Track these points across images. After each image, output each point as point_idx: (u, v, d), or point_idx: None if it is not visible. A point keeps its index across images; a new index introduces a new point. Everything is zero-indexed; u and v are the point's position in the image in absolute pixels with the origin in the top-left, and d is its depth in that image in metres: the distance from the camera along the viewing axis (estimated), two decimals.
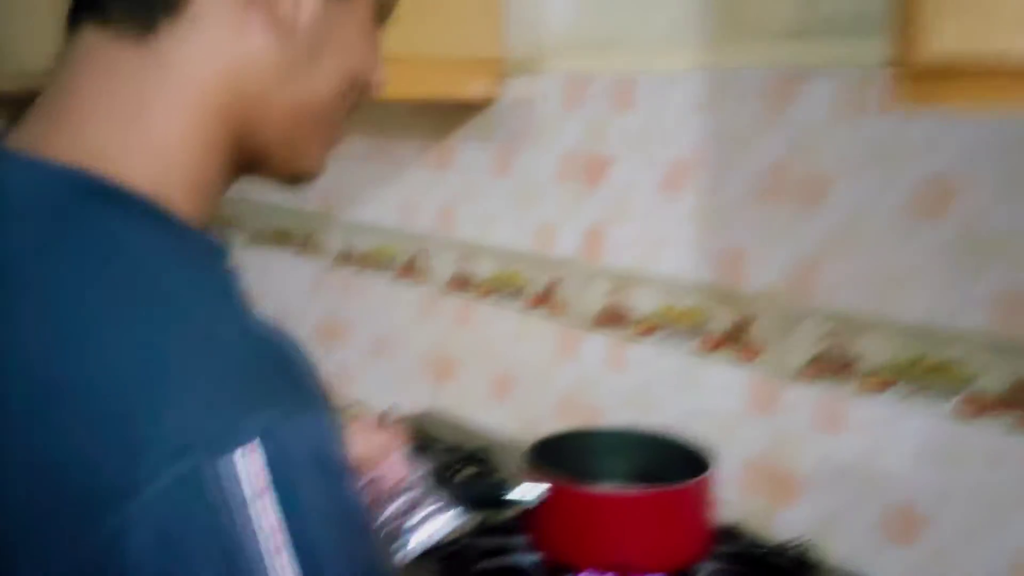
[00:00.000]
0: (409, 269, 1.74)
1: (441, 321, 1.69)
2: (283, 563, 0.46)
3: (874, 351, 1.12)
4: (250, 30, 0.57)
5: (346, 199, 1.86)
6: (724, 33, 1.23)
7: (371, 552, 0.53)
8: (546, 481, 0.94)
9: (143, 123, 0.56)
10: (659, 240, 1.33)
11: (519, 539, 1.01)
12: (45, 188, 0.54)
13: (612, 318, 1.41)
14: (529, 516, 0.96)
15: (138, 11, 0.56)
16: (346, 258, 1.91)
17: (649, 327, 1.36)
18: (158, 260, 0.53)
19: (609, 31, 1.36)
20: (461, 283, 1.65)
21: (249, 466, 0.46)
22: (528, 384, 1.56)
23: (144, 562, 0.45)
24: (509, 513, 0.97)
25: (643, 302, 1.36)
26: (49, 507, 0.47)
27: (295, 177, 0.65)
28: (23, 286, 0.52)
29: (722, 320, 1.27)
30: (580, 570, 0.93)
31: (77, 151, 0.55)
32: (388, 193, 1.77)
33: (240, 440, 0.46)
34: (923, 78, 0.74)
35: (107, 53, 0.57)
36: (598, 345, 1.43)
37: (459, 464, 1.19)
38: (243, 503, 0.46)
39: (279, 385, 0.50)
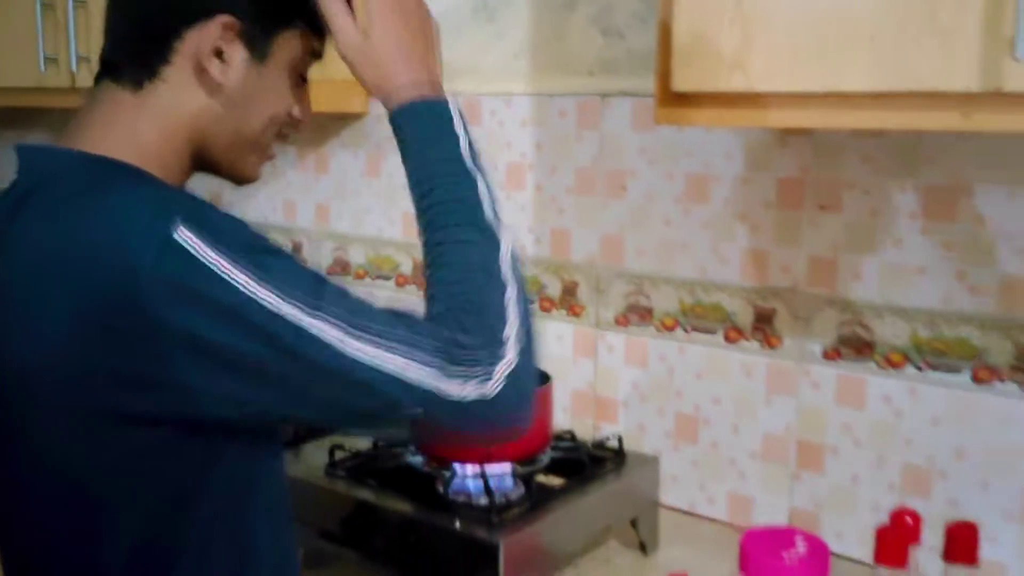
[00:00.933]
0: None
1: None
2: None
3: (665, 301, 1.51)
4: (198, 89, 0.89)
5: (236, 198, 2.14)
6: (547, 66, 1.61)
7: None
8: None
9: (135, 138, 0.89)
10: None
11: (410, 448, 1.35)
12: (76, 161, 0.87)
13: None
14: (415, 428, 1.30)
15: (135, 75, 0.89)
16: None
17: None
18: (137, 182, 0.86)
19: (458, 61, 1.71)
20: (339, 268, 1.96)
21: (187, 233, 0.76)
22: None
23: (171, 316, 0.75)
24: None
25: None
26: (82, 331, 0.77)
27: (238, 180, 0.97)
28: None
29: (554, 286, 1.64)
30: (456, 463, 1.28)
31: (95, 150, 0.88)
32: (272, 193, 2.06)
33: (175, 223, 0.76)
34: (672, 104, 1.13)
35: (116, 97, 0.90)
36: None
37: None
38: (202, 247, 0.76)
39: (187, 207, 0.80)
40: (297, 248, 2.02)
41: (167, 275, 0.75)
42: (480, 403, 0.81)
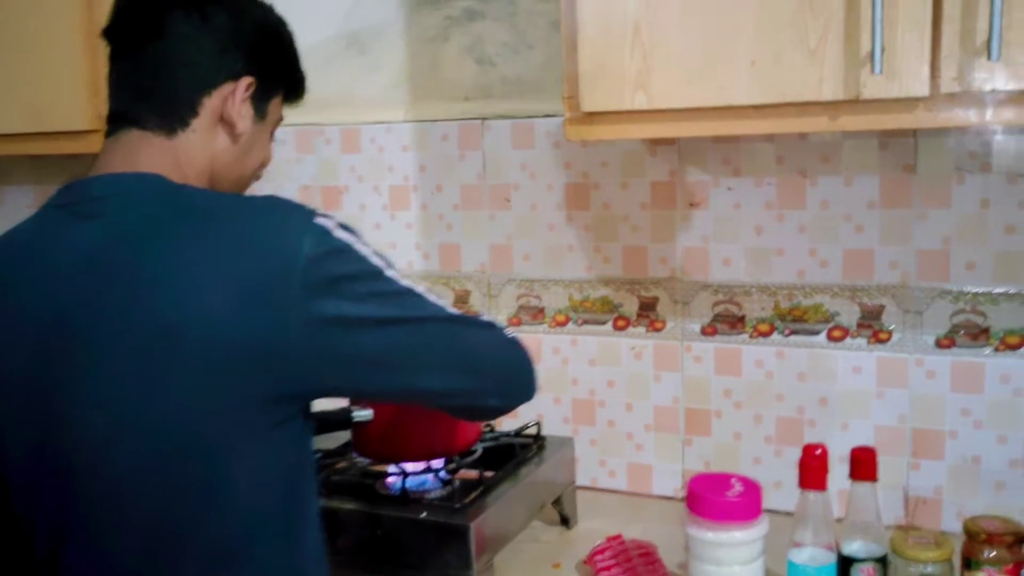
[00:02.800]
0: None
1: None
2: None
3: (555, 300, 1.68)
4: (221, 136, 1.06)
5: None
6: (425, 94, 1.74)
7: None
8: (372, 406, 1.37)
9: (179, 173, 1.03)
10: (390, 244, 1.80)
11: (349, 455, 1.44)
12: (140, 182, 0.98)
13: None
14: (359, 432, 1.39)
15: (167, 124, 1.03)
16: None
17: None
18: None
19: (332, 93, 1.81)
20: None
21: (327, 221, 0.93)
22: None
23: (325, 295, 0.90)
24: (351, 428, 1.39)
25: None
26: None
27: None
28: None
29: (447, 296, 1.76)
30: (401, 462, 1.38)
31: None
32: None
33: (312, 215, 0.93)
34: (581, 122, 1.29)
35: (150, 141, 1.03)
36: None
37: None
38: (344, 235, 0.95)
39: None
40: None
41: (321, 256, 0.90)
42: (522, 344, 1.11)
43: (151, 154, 1.01)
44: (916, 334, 1.45)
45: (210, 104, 1.03)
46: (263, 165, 1.15)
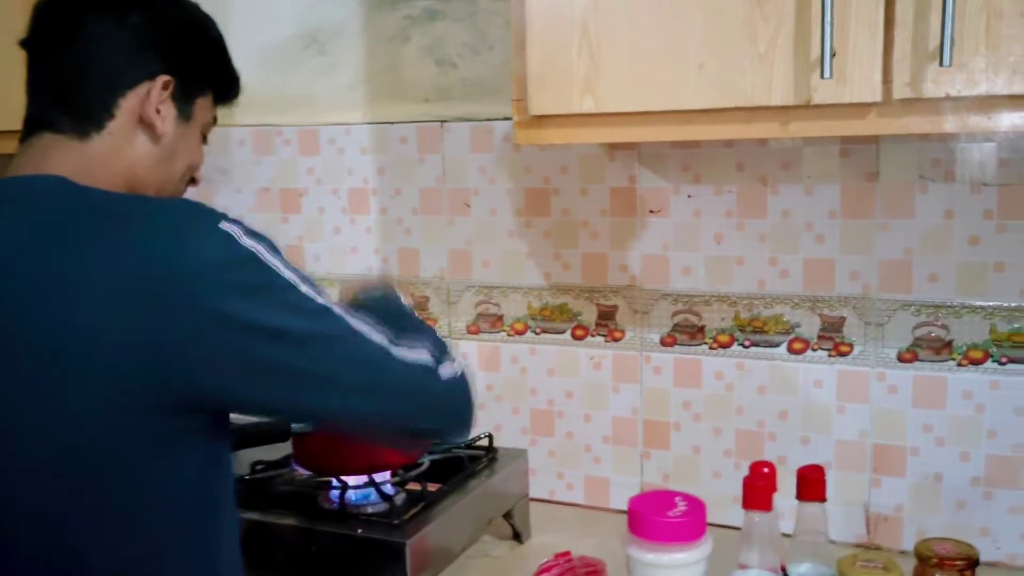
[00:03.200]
0: None
1: None
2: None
3: (514, 308, 1.64)
4: (140, 139, 1.02)
5: None
6: (383, 95, 1.70)
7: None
8: None
9: (90, 179, 0.97)
10: (350, 248, 1.76)
11: (290, 467, 1.40)
12: (43, 185, 0.95)
13: None
14: (299, 444, 1.35)
15: (81, 127, 0.99)
16: None
17: None
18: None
19: (291, 93, 1.77)
20: None
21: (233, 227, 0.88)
22: None
23: (229, 302, 0.85)
24: (290, 440, 1.35)
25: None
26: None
27: None
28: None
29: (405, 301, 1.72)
30: (343, 475, 1.34)
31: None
32: None
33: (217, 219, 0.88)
34: (530, 126, 1.25)
35: (63, 145, 0.99)
36: None
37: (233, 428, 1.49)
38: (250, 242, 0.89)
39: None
40: None
41: (223, 263, 0.86)
42: (462, 380, 1.05)
43: (61, 157, 0.97)
44: (877, 347, 1.41)
45: (126, 105, 0.99)
46: (192, 169, 1.11)
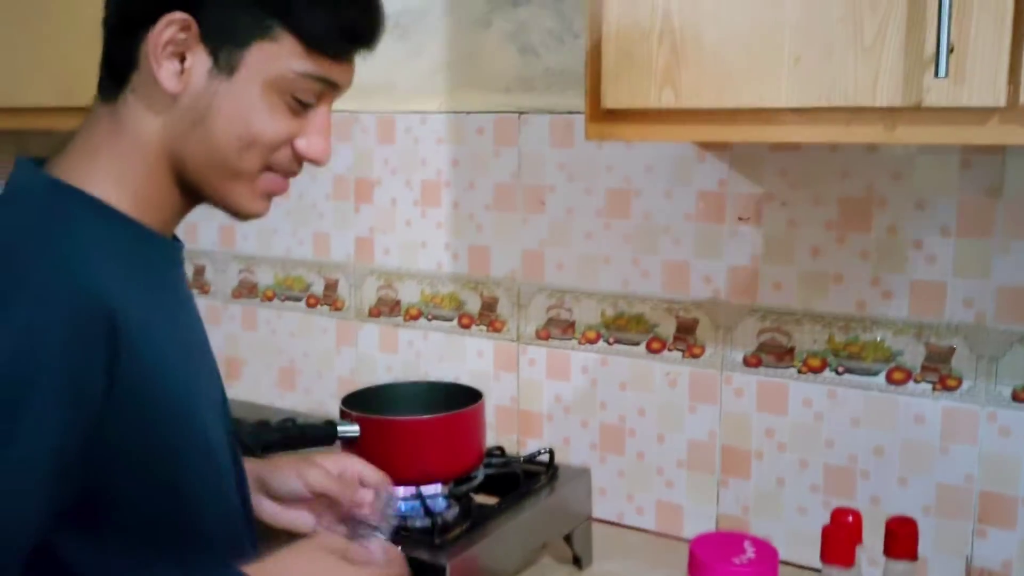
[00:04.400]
0: (194, 282, 1.97)
1: (228, 326, 1.94)
2: None
3: (587, 314, 1.53)
4: (156, 99, 0.83)
5: None
6: (463, 83, 1.61)
7: None
8: (359, 421, 1.25)
9: (111, 153, 0.84)
10: (419, 243, 1.68)
11: None
12: (33, 187, 0.83)
13: (384, 309, 1.73)
14: (348, 450, 1.27)
15: (109, 89, 0.85)
16: None
17: (415, 313, 1.70)
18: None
19: (372, 79, 1.69)
20: (247, 290, 1.90)
21: None
22: (312, 372, 1.85)
23: None
24: (336, 444, 1.27)
25: (409, 294, 1.70)
26: None
27: (235, 213, 0.89)
28: None
29: (474, 302, 1.63)
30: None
31: (70, 173, 0.84)
32: None
33: None
34: (602, 120, 1.14)
35: (99, 112, 0.86)
36: (373, 332, 1.75)
37: (276, 431, 1.43)
38: None
39: (30, 296, 0.71)
40: (200, 271, 1.96)
41: None
42: None
43: (93, 131, 0.84)
44: (990, 383, 1.25)
45: (145, 51, 0.81)
46: (289, 153, 0.86)
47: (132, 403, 0.77)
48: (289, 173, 0.89)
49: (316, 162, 0.89)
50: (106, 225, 0.83)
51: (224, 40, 0.81)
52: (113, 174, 0.84)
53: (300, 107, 0.85)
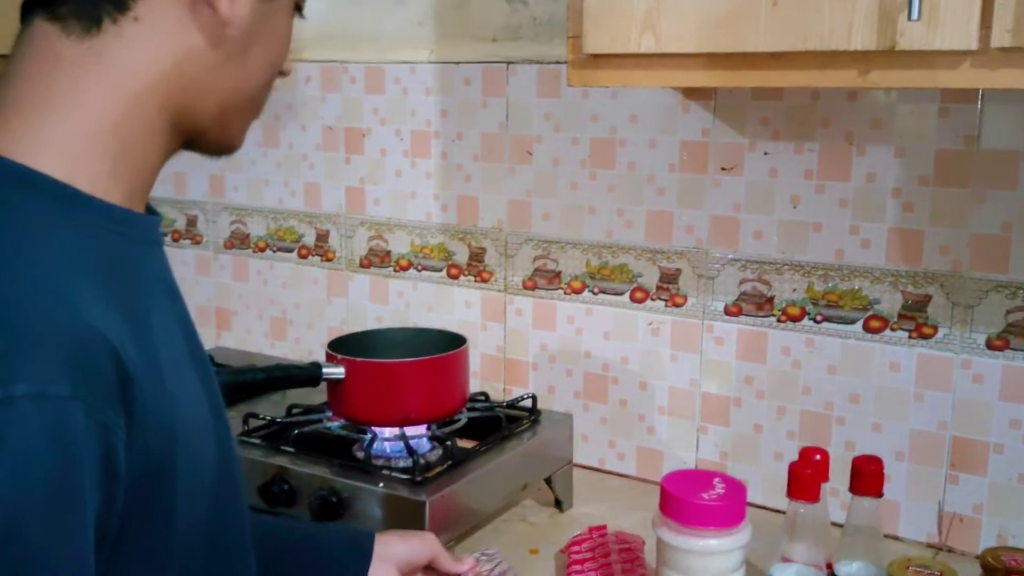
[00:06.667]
0: (185, 233, 1.99)
1: (220, 276, 1.96)
2: None
3: (572, 265, 1.55)
4: (192, 29, 0.68)
5: None
6: (451, 33, 1.61)
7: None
8: (344, 363, 1.27)
9: (73, 112, 0.66)
10: (408, 194, 1.69)
11: (326, 413, 1.35)
12: None
13: (374, 260, 1.75)
14: (333, 391, 1.29)
15: (85, 9, 0.65)
16: None
17: (405, 264, 1.72)
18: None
19: (359, 28, 1.70)
20: (238, 241, 1.92)
21: None
22: (303, 323, 1.87)
23: None
24: (322, 387, 1.30)
25: (399, 244, 1.72)
26: None
27: (222, 151, 0.77)
28: None
29: (462, 252, 1.65)
30: (374, 426, 1.28)
31: (11, 140, 0.65)
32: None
33: None
34: (584, 67, 1.15)
35: (51, 46, 0.66)
36: (363, 282, 1.77)
37: (261, 371, 1.44)
38: None
39: (31, 362, 0.56)
40: (192, 222, 1.98)
41: None
42: None
43: (46, 77, 0.66)
44: (965, 331, 1.27)
45: None
46: (277, 66, 0.75)
47: (150, 433, 0.64)
48: (281, 76, 0.79)
49: (285, 77, 0.80)
50: (68, 217, 0.65)
51: None
52: (79, 135, 0.66)
53: (298, 11, 0.77)
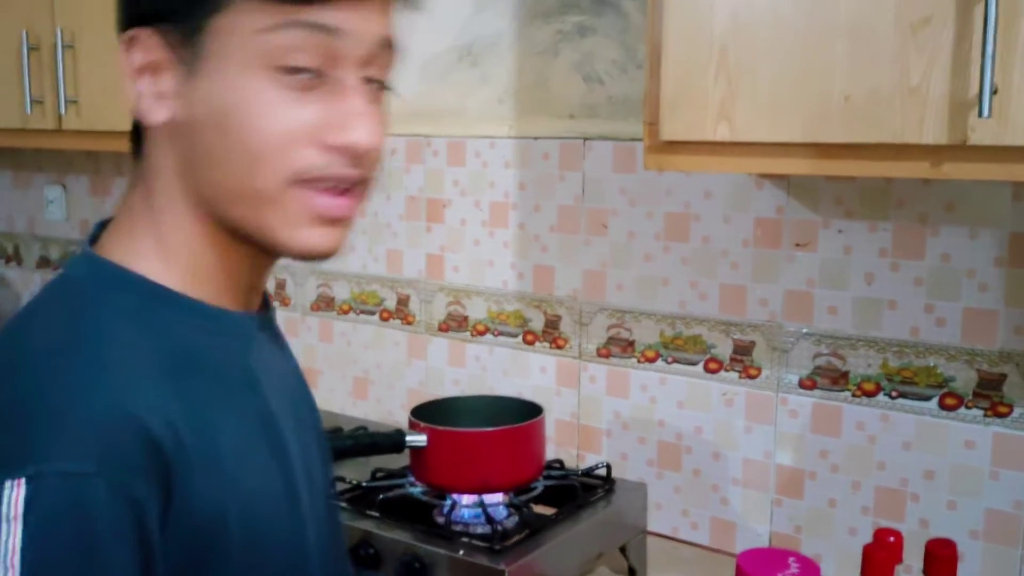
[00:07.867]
0: (275, 296, 2.07)
1: (307, 337, 2.04)
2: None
3: (646, 334, 1.58)
4: (159, 139, 0.73)
5: None
6: (530, 109, 1.68)
7: None
8: (427, 431, 1.32)
9: (149, 223, 0.74)
10: (486, 262, 1.75)
11: (408, 478, 1.40)
12: (72, 276, 0.75)
13: (452, 324, 1.81)
14: (415, 458, 1.34)
15: (135, 143, 0.76)
16: None
17: (482, 329, 1.77)
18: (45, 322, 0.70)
19: (443, 105, 1.78)
20: (324, 304, 2.00)
21: (12, 495, 0.60)
22: (384, 383, 1.93)
23: None
24: (404, 452, 1.35)
25: (476, 310, 1.78)
26: None
27: (290, 253, 0.73)
28: None
29: (538, 320, 1.70)
30: (454, 493, 1.33)
31: (117, 251, 0.75)
32: None
33: (11, 473, 0.61)
34: (660, 151, 1.20)
35: (133, 171, 0.77)
36: (442, 346, 1.83)
37: (348, 438, 1.51)
38: None
39: (63, 442, 0.62)
40: (281, 285, 2.06)
41: None
42: None
43: (131, 194, 0.76)
44: None
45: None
46: (260, 150, 0.67)
47: (195, 511, 0.68)
48: (337, 181, 0.70)
49: (355, 146, 0.69)
50: (154, 312, 0.72)
51: (177, 34, 0.69)
52: (157, 243, 0.74)
53: (302, 80, 0.67)
